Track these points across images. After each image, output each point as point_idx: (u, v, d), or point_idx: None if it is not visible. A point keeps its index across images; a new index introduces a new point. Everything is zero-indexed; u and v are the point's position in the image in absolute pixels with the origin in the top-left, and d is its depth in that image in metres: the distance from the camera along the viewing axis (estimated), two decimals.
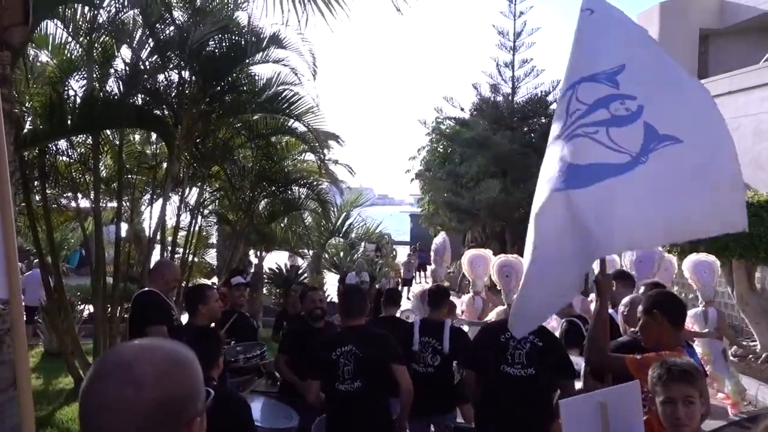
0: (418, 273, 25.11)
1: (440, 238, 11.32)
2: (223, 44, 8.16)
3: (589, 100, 3.36)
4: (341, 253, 17.88)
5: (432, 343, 5.28)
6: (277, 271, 15.16)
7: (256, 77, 9.14)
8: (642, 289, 5.21)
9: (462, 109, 25.05)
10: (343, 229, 17.10)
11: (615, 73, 3.41)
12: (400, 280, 20.86)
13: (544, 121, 23.75)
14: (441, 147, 27.24)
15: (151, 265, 6.21)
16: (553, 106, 22.97)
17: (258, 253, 15.05)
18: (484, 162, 22.66)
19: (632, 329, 3.99)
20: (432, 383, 5.11)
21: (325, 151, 11.30)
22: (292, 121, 9.69)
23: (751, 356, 10.40)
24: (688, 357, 3.23)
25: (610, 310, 5.31)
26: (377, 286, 13.46)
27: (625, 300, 4.52)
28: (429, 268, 17.36)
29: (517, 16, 23.62)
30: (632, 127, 3.19)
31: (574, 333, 5.84)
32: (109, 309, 8.32)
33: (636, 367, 3.19)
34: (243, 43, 8.05)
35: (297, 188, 11.66)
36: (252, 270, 13.77)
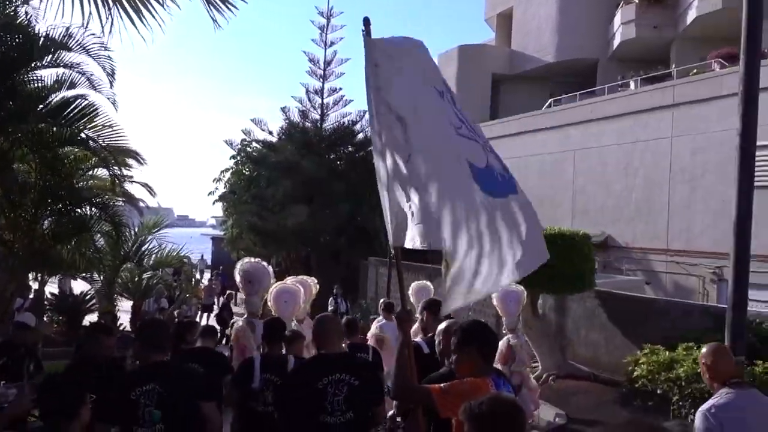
0: (218, 298, 24.25)
1: (258, 265, 10.72)
2: (2, 45, 7.23)
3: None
4: (136, 278, 16.67)
5: (274, 380, 4.93)
6: (62, 297, 13.74)
7: (42, 83, 8.22)
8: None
9: (270, 133, 24.89)
10: (140, 253, 15.97)
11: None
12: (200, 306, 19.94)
13: (351, 149, 24.31)
14: (247, 169, 26.75)
15: None
16: (360, 136, 23.63)
17: (39, 277, 13.53)
18: (291, 186, 22.61)
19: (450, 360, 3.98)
20: (269, 423, 4.74)
21: (123, 168, 10.45)
22: (84, 132, 8.83)
23: (533, 376, 11.23)
24: (494, 387, 3.27)
25: (418, 339, 5.39)
26: (175, 312, 12.68)
27: (440, 328, 4.42)
28: (238, 295, 16.74)
29: (328, 45, 24.07)
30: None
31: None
32: None
33: (440, 397, 3.17)
34: (29, 44, 7.21)
35: (88, 207, 10.62)
36: (31, 296, 12.34)
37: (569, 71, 25.97)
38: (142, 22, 4.83)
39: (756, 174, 13.29)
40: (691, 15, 20.05)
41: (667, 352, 8.26)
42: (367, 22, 3.58)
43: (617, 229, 17.61)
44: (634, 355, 8.83)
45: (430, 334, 5.21)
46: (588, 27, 24.69)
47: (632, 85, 19.77)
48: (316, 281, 9.08)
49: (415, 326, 7.60)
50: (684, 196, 15.76)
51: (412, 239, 3.48)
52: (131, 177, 12.82)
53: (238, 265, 7.53)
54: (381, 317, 8.89)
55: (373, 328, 8.41)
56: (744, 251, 3.44)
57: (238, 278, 7.38)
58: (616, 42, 23.25)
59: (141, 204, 16.51)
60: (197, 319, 16.46)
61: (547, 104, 22.74)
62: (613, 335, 11.58)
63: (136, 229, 15.11)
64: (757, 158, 13.23)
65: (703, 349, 3.70)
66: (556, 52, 25.32)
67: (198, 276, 25.00)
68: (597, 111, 18.69)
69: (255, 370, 4.92)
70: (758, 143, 12.50)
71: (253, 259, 7.82)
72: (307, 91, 24.41)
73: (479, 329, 3.50)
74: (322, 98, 24.48)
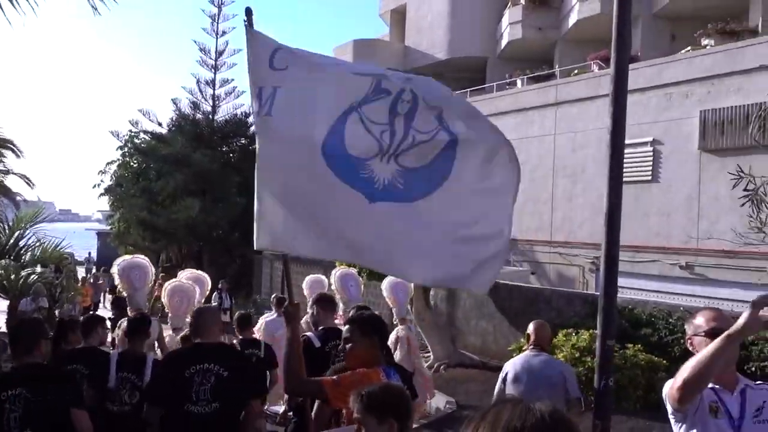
0: (104, 295, 23.17)
1: (138, 261, 10.39)
2: None
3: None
4: (12, 276, 15.59)
5: (131, 378, 4.75)
6: None
7: None
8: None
9: (160, 124, 24.03)
10: (17, 248, 14.95)
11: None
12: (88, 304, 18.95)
13: (244, 141, 23.88)
14: (135, 162, 25.70)
15: None
16: (254, 128, 23.25)
17: None
18: (183, 179, 21.94)
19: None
20: (126, 423, 4.59)
21: None
22: None
23: (425, 366, 11.51)
24: (384, 377, 3.34)
25: (309, 333, 5.39)
26: (57, 312, 11.98)
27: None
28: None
29: (220, 34, 23.52)
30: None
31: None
32: None
33: (332, 388, 3.20)
34: None
35: None
36: None
37: (461, 68, 26.66)
38: (14, 5, 4.53)
39: (626, 170, 14.23)
40: (573, 18, 21.09)
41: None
42: (249, 12, 3.53)
43: None
44: (519, 343, 9.24)
45: (321, 328, 5.23)
46: (478, 26, 25.45)
47: (519, 83, 20.56)
48: (208, 277, 8.91)
49: (303, 320, 7.63)
50: (566, 190, 16.61)
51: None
52: (9, 170, 12.00)
53: (117, 262, 7.27)
54: (272, 312, 8.85)
55: (259, 323, 8.34)
56: (613, 242, 3.67)
57: (117, 276, 7.11)
58: (504, 42, 24.09)
59: (18, 198, 15.52)
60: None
61: None
62: (501, 324, 12.06)
63: (11, 223, 14.17)
64: (627, 155, 14.20)
65: (531, 324, 5.10)
66: (448, 49, 25.92)
67: (85, 274, 23.74)
68: (486, 108, 19.27)
69: (111, 370, 4.76)
70: (629, 141, 13.42)
71: (133, 256, 7.56)
72: (198, 82, 23.75)
73: (379, 321, 3.62)
74: (214, 89, 23.93)
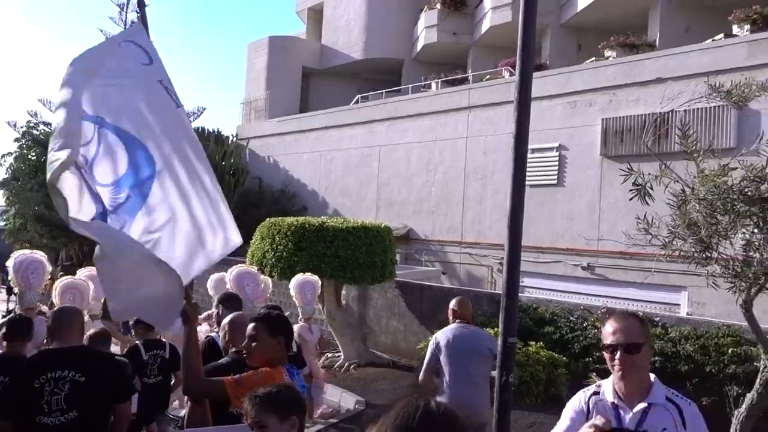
0: None
1: (32, 257, 9.90)
2: None
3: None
4: None
5: (5, 381, 4.49)
6: None
7: None
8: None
9: None
10: None
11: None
12: None
13: None
14: (33, 154, 24.38)
15: None
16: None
17: None
18: None
19: (234, 350, 3.96)
20: None
21: None
22: None
23: (336, 366, 11.53)
24: (287, 376, 3.34)
25: (212, 333, 5.29)
26: None
27: (227, 321, 4.34)
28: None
29: (128, 24, 22.65)
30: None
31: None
32: None
33: (233, 388, 3.16)
34: None
35: None
36: None
37: (377, 69, 26.84)
38: None
39: (533, 174, 14.72)
40: (486, 25, 21.63)
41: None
42: (141, 4, 3.43)
43: (418, 222, 18.58)
44: (427, 341, 9.40)
45: None
46: (394, 28, 25.68)
47: (434, 86, 20.91)
48: None
49: (202, 316, 7.51)
50: (477, 193, 17.02)
51: None
52: None
53: (15, 256, 6.89)
54: None
55: None
56: (516, 243, 3.81)
57: (12, 271, 6.74)
58: (420, 45, 24.43)
59: None
60: None
61: (354, 100, 23.33)
62: (411, 323, 12.22)
63: None
64: (535, 160, 14.69)
65: (453, 300, 5.64)
66: (364, 50, 26.02)
67: None
68: (401, 109, 19.54)
69: None
70: (536, 146, 13.87)
71: (32, 251, 7.19)
72: None
73: (286, 321, 3.59)
74: None
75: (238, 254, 14.74)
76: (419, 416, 1.20)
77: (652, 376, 2.58)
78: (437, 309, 11.56)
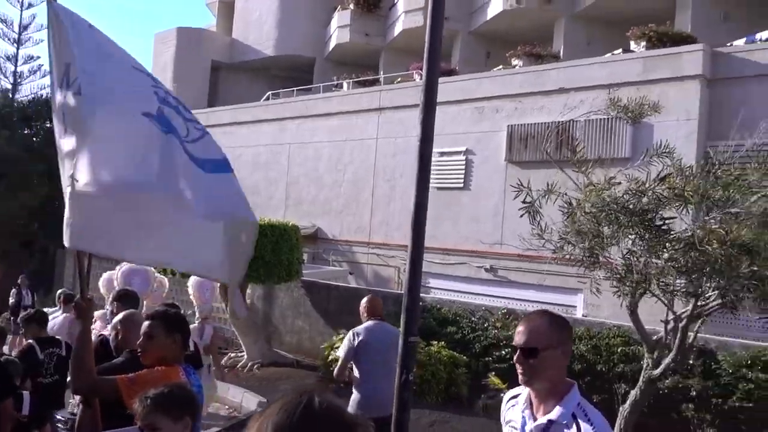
0: None
1: None
2: None
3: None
4: None
5: None
6: None
7: None
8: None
9: None
10: None
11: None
12: None
13: (49, 125, 21.95)
14: None
15: None
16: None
17: None
18: None
19: (128, 349, 3.81)
20: None
21: None
22: None
23: (239, 366, 11.32)
24: (184, 375, 3.25)
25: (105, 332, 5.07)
26: None
27: (118, 319, 4.19)
28: None
29: (25, 6, 21.47)
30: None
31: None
32: None
33: (127, 387, 3.05)
34: None
35: None
36: None
37: (288, 66, 26.58)
38: None
39: (441, 177, 14.98)
40: (398, 28, 21.86)
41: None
42: None
43: (327, 221, 18.52)
44: (331, 341, 9.40)
45: None
46: (307, 26, 25.52)
47: (345, 86, 20.92)
48: None
49: (98, 314, 7.21)
50: (385, 194, 17.15)
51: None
52: None
53: None
54: (57, 309, 8.25)
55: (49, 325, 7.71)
56: (418, 242, 3.85)
57: None
58: (332, 44, 24.39)
59: None
60: None
61: (265, 97, 23.01)
62: (316, 322, 12.17)
63: None
64: (443, 163, 14.96)
65: (364, 298, 5.74)
66: (276, 46, 25.71)
67: None
68: (312, 108, 19.42)
69: None
70: (445, 149, 14.15)
71: None
72: None
73: (182, 318, 3.52)
74: (16, 66, 21.76)
75: None
76: (300, 412, 1.17)
77: (573, 386, 2.33)
78: (343, 309, 11.56)
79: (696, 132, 11.87)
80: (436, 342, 8.96)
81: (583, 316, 11.97)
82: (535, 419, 2.31)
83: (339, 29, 23.80)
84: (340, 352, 5.59)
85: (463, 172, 15.54)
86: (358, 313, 5.66)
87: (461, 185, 15.55)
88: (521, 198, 4.41)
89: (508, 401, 2.52)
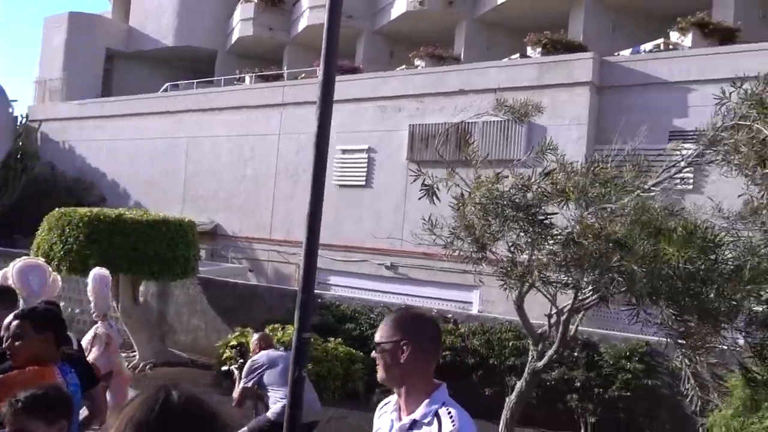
0: None
1: None
2: None
3: None
4: None
5: None
6: None
7: None
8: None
9: None
10: None
11: None
12: None
13: None
14: None
15: None
16: None
17: None
18: None
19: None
20: None
21: None
22: None
23: (130, 366, 10.89)
24: (60, 375, 3.11)
25: None
26: None
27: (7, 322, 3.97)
28: None
29: None
30: None
31: None
32: None
33: None
34: None
35: None
36: None
37: (188, 58, 25.82)
38: None
39: (344, 174, 15.00)
40: (303, 23, 21.70)
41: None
42: None
43: (226, 218, 18.14)
44: (227, 338, 9.22)
45: None
46: (209, 17, 24.85)
47: (248, 80, 20.56)
48: None
49: None
50: (287, 190, 16.99)
51: None
52: None
53: None
54: None
55: None
56: (313, 238, 3.84)
57: None
58: (235, 37, 23.90)
59: None
60: None
61: (163, 88, 22.25)
62: (214, 320, 11.90)
63: None
64: (346, 160, 14.99)
65: (254, 336, 6.33)
66: (176, 36, 24.89)
67: None
68: (213, 101, 18.97)
69: None
70: (348, 147, 14.18)
71: None
72: None
73: (55, 315, 3.40)
74: None
75: (23, 247, 13.49)
76: (158, 408, 1.14)
77: (440, 386, 2.33)
78: (241, 306, 11.38)
79: (585, 136, 12.48)
80: (333, 338, 8.98)
81: (478, 312, 12.32)
82: (400, 418, 2.32)
83: (242, 22, 23.34)
84: (243, 380, 5.95)
85: (366, 170, 15.63)
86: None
87: (364, 183, 15.63)
88: (419, 182, 4.51)
89: (379, 409, 2.51)
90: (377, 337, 2.37)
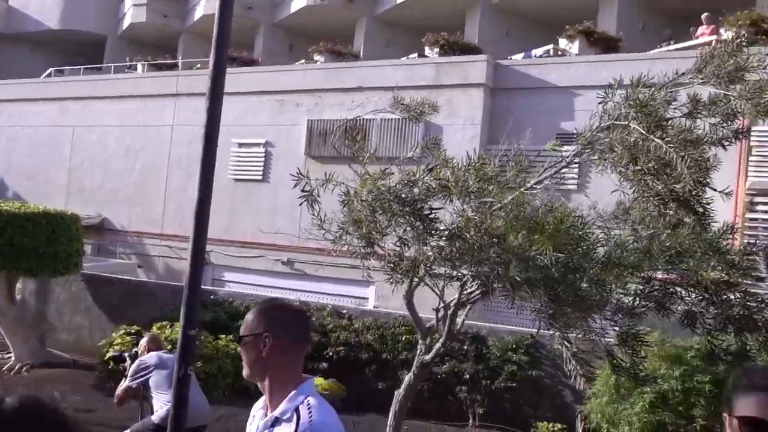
0: None
1: None
2: None
3: None
4: None
5: None
6: None
7: None
8: None
9: None
10: None
11: None
12: None
13: None
14: None
15: None
16: None
17: None
18: None
19: None
20: None
21: None
22: None
23: (5, 368, 10.25)
24: None
25: None
26: None
27: None
28: None
29: None
30: None
31: None
32: None
33: None
34: None
35: None
36: None
37: (75, 42, 24.52)
38: None
39: (241, 168, 14.71)
40: (199, 12, 21.12)
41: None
42: None
43: (114, 211, 17.36)
44: (111, 337, 8.84)
45: None
46: (96, 0, 23.70)
47: (140, 68, 19.77)
48: None
49: None
50: (180, 183, 16.46)
51: None
52: None
53: None
54: None
55: None
56: (200, 233, 3.73)
57: None
58: (126, 23, 22.96)
59: None
60: None
61: (47, 73, 21.00)
62: (98, 319, 11.38)
63: None
64: (242, 154, 14.71)
65: (145, 337, 6.12)
66: (61, 19, 23.57)
67: None
68: (101, 89, 18.08)
69: None
70: (245, 141, 13.94)
71: None
72: None
73: None
74: None
75: None
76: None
77: (306, 381, 2.24)
78: (129, 303, 10.96)
79: (479, 136, 12.85)
80: (224, 336, 8.80)
81: (374, 307, 12.44)
82: (266, 414, 2.24)
83: (134, 7, 22.43)
84: (128, 379, 5.77)
85: (263, 164, 15.40)
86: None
87: (261, 178, 15.39)
88: (300, 187, 4.48)
89: (251, 416, 2.39)
90: (241, 331, 2.25)
